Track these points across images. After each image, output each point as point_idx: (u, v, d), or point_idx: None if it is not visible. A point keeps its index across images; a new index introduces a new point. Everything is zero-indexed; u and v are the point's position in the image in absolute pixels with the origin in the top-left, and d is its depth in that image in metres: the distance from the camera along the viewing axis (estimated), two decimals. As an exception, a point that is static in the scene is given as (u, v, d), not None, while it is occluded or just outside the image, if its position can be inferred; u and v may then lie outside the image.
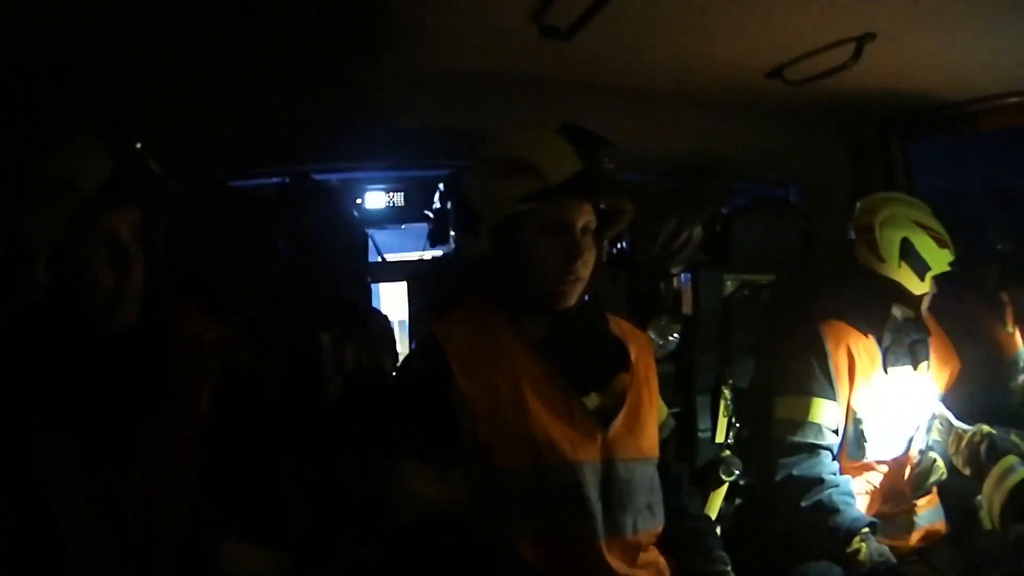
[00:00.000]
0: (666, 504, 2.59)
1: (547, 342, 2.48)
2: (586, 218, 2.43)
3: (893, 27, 2.99)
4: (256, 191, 3.67)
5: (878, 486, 3.54)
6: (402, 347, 3.69)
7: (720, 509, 3.90)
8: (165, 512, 2.28)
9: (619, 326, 2.69)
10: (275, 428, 2.57)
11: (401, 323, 3.88)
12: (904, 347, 3.57)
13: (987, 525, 3.24)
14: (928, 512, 3.58)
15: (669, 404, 2.83)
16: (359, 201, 4.17)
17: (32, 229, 2.19)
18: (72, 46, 2.94)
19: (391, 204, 4.26)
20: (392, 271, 3.90)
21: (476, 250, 2.46)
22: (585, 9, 2.73)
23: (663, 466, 2.64)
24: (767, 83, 3.58)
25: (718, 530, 3.37)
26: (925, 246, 3.47)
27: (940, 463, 3.49)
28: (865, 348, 3.52)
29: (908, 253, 3.47)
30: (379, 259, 3.94)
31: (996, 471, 3.18)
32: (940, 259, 3.48)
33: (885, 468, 3.55)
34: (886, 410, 3.50)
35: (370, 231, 3.87)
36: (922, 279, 3.48)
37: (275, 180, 3.73)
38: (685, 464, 2.97)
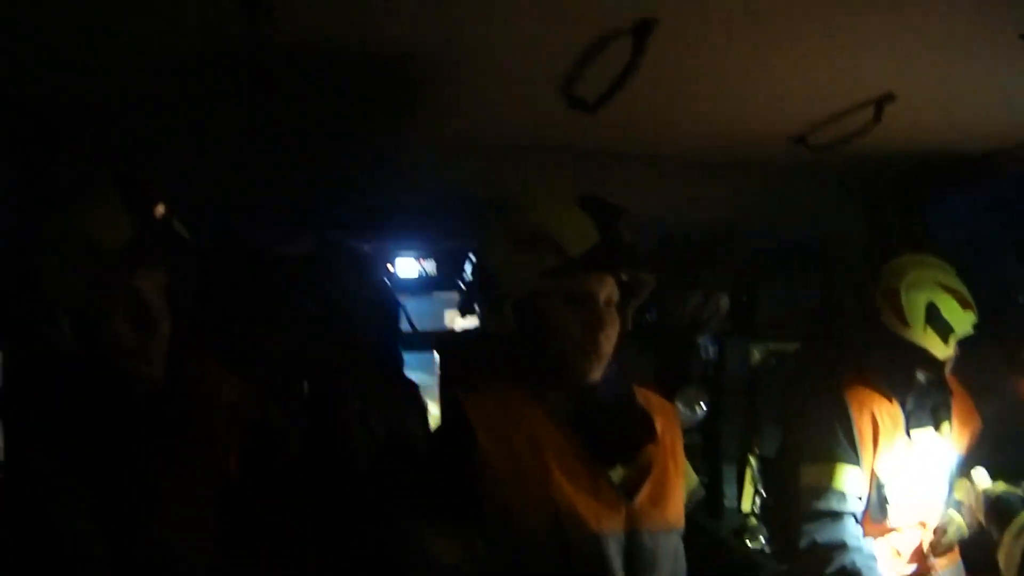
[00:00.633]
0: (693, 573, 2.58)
1: (572, 415, 2.46)
2: (608, 290, 2.42)
3: (912, 86, 3.01)
4: (288, 254, 3.70)
5: (900, 547, 3.54)
6: (433, 416, 3.69)
7: (746, 576, 3.89)
8: (185, 568, 2.30)
9: (645, 397, 2.67)
10: (299, 489, 2.58)
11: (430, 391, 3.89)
12: (926, 410, 3.57)
13: (1003, 564, 3.22)
14: (949, 571, 3.57)
15: (696, 472, 2.82)
16: (390, 268, 4.20)
17: (54, 288, 2.23)
18: (108, 110, 3.00)
19: (422, 272, 4.28)
20: (423, 340, 3.92)
21: (500, 325, 2.47)
22: (612, 82, 2.76)
23: (691, 534, 2.63)
24: (790, 149, 3.60)
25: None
26: (950, 309, 3.46)
27: (960, 521, 3.48)
28: (889, 413, 3.51)
29: (933, 317, 3.45)
30: (411, 329, 3.95)
31: (1013, 527, 3.16)
32: (964, 321, 3.48)
33: (908, 530, 3.54)
34: (908, 473, 3.49)
35: (402, 300, 3.90)
36: (946, 343, 3.47)
37: (307, 243, 3.76)
38: (713, 534, 2.96)
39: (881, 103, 3.13)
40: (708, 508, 3.57)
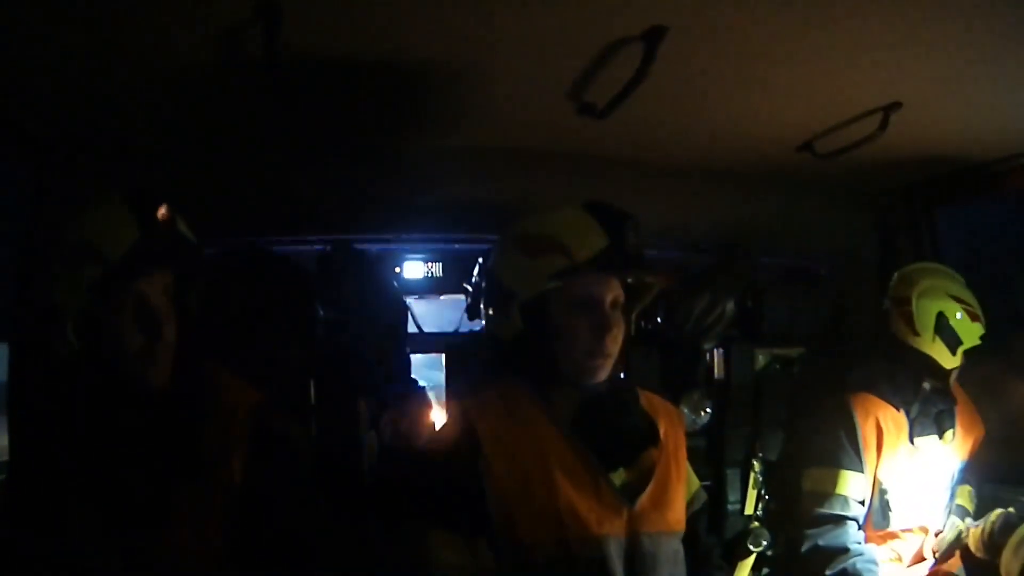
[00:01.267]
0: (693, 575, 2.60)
1: (576, 419, 2.49)
2: (614, 293, 2.46)
3: (918, 94, 3.03)
4: (297, 258, 3.71)
5: (902, 553, 3.55)
6: (439, 418, 3.71)
7: (748, 580, 3.90)
8: (194, 572, 2.30)
9: (649, 401, 2.70)
10: (307, 494, 2.60)
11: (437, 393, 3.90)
12: (931, 417, 3.56)
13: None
14: None
15: (699, 477, 2.83)
16: (398, 270, 4.21)
17: (59, 293, 2.23)
18: (121, 119, 3.02)
19: (430, 275, 4.29)
20: (430, 343, 3.93)
21: (508, 328, 2.51)
22: (621, 89, 2.78)
23: (693, 539, 2.66)
24: (797, 157, 3.62)
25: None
26: (960, 320, 3.48)
27: (963, 528, 3.49)
28: (893, 420, 3.51)
29: (943, 327, 3.48)
30: (417, 331, 3.96)
31: (1014, 540, 3.18)
32: (972, 334, 3.50)
33: (910, 536, 3.55)
34: (911, 480, 3.51)
35: (409, 302, 3.91)
36: (954, 353, 3.49)
37: (316, 248, 3.79)
38: (715, 539, 2.98)
39: (888, 111, 3.15)
40: (711, 512, 3.56)
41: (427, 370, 4.00)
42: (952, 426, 3.60)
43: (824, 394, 3.70)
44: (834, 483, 3.45)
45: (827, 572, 3.35)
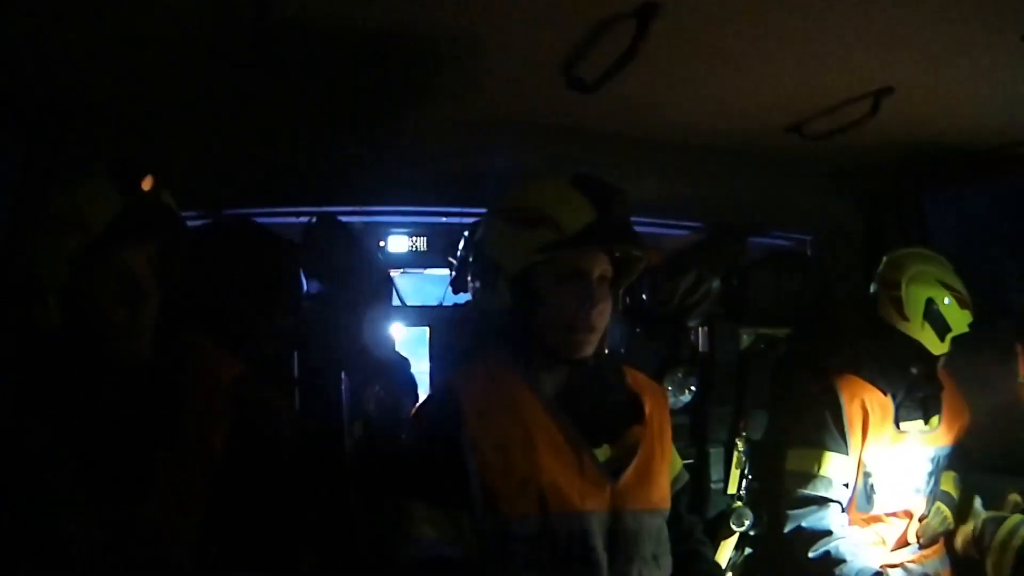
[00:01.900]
0: (677, 551, 2.59)
1: (561, 394, 2.49)
2: (601, 267, 2.45)
3: (910, 81, 3.02)
4: (282, 230, 3.69)
5: (886, 537, 3.56)
6: (423, 391, 3.70)
7: (730, 559, 3.91)
8: (175, 547, 2.30)
9: (634, 378, 2.70)
10: (289, 466, 2.59)
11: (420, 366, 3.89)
12: (916, 402, 3.58)
13: (992, 575, 3.24)
14: (934, 561, 3.60)
15: (682, 455, 2.84)
16: (382, 244, 4.20)
17: (41, 264, 2.23)
18: (109, 93, 3.00)
19: (414, 248, 4.28)
20: (414, 316, 3.92)
21: (495, 301, 2.49)
22: (611, 63, 2.77)
23: (676, 517, 2.66)
24: (786, 138, 3.60)
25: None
26: (949, 307, 3.49)
27: (947, 513, 3.51)
28: (879, 403, 3.52)
29: (932, 314, 3.49)
30: (401, 304, 3.95)
31: (1001, 532, 3.18)
32: (961, 321, 3.51)
33: (894, 520, 3.56)
34: (896, 464, 3.52)
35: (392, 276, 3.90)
36: (942, 340, 3.50)
37: (301, 220, 3.77)
38: (697, 518, 2.97)
39: (879, 96, 3.13)
40: (694, 491, 3.56)
41: (410, 343, 3.98)
42: (938, 412, 3.62)
43: (810, 375, 3.72)
44: (818, 464, 3.46)
45: (810, 554, 3.36)
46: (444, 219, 4.27)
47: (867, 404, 3.51)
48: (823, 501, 3.44)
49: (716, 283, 3.95)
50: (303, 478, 2.70)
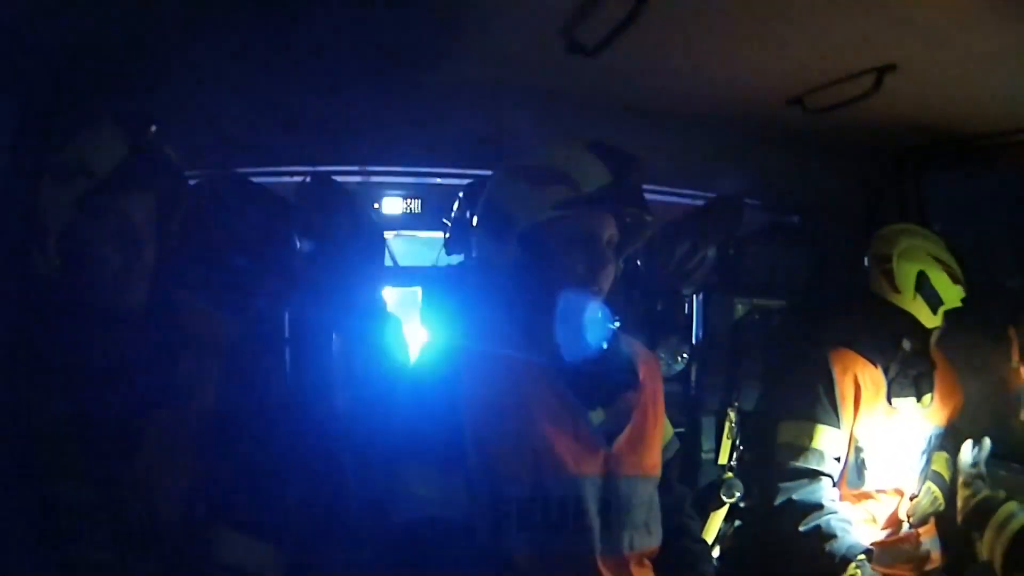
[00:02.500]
0: (666, 524, 2.59)
1: (558, 356, 2.48)
2: (611, 231, 2.44)
3: (914, 59, 2.99)
4: (277, 189, 3.68)
5: (877, 515, 3.55)
6: (413, 351, 3.69)
7: (720, 530, 3.90)
8: (165, 500, 2.30)
9: (630, 344, 2.69)
10: (279, 423, 2.59)
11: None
12: (909, 379, 3.58)
13: (983, 556, 3.25)
14: (925, 542, 3.59)
15: (674, 424, 2.82)
16: (376, 206, 4.19)
17: (44, 209, 2.24)
18: (108, 44, 2.97)
19: (408, 211, 4.27)
20: (407, 276, 3.91)
21: (504, 257, 2.47)
22: (612, 28, 2.75)
23: (666, 486, 2.65)
24: (787, 110, 3.58)
25: (716, 552, 3.39)
26: (940, 281, 3.48)
27: (939, 494, 3.51)
28: (871, 377, 3.52)
29: (923, 286, 3.48)
30: (393, 264, 3.94)
31: (996, 519, 3.18)
32: (953, 295, 3.50)
33: (884, 497, 3.56)
34: (888, 440, 3.51)
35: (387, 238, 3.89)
36: (934, 313, 3.49)
37: (296, 179, 3.75)
38: (687, 487, 2.97)
39: (882, 73, 3.11)
40: (685, 460, 3.56)
41: (403, 304, 3.98)
42: (931, 390, 3.62)
43: (803, 348, 3.72)
44: (810, 437, 3.46)
45: (800, 527, 3.36)
46: (439, 180, 4.26)
47: (860, 378, 3.51)
48: (814, 474, 3.44)
49: (712, 251, 3.95)
50: (293, 438, 2.70)
